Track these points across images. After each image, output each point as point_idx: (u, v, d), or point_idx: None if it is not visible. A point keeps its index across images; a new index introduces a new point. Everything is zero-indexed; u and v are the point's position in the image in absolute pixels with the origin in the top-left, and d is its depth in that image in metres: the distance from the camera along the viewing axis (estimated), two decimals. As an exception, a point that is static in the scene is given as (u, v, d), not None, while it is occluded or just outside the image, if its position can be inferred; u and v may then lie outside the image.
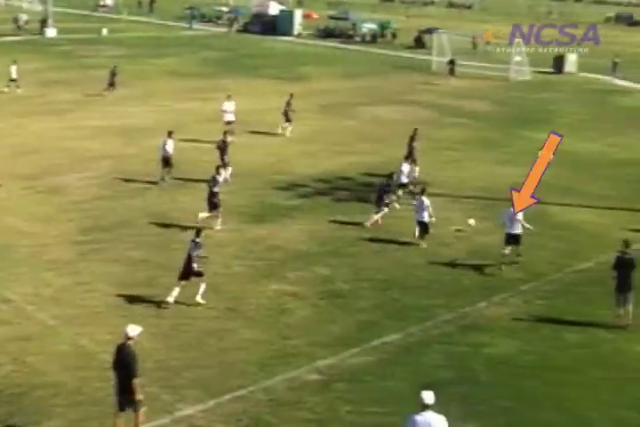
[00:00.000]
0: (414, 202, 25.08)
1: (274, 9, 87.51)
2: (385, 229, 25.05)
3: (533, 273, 22.18)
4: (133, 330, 13.78)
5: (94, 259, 22.00)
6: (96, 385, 15.55)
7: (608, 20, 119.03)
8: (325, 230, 24.94)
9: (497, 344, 18.05)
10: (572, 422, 15.21)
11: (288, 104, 37.32)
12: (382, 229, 25.12)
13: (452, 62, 56.69)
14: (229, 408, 15.15)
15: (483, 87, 54.58)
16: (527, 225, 22.53)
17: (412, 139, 30.65)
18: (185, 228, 23.85)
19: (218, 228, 24.49)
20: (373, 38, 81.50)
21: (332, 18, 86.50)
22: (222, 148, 29.44)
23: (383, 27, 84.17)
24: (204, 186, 25.26)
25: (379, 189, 25.96)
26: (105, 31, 75.73)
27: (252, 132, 36.97)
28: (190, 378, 16.00)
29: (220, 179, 25.57)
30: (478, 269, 22.30)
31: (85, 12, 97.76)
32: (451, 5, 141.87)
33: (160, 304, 19.10)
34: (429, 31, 75.22)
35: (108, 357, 14.40)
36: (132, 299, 19.45)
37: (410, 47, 76.28)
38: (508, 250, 22.54)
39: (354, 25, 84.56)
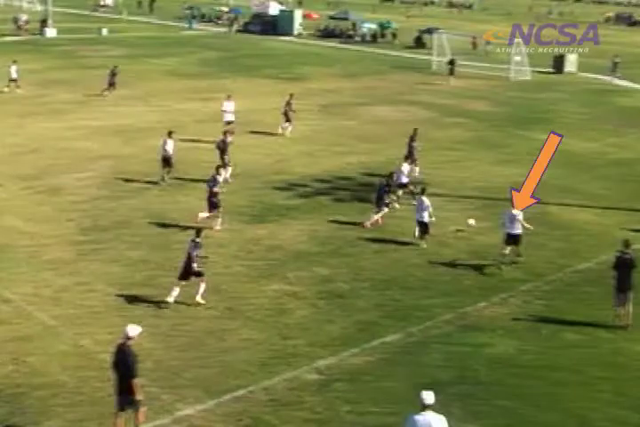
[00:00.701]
0: (414, 202, 25.07)
1: (274, 9, 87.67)
2: (385, 230, 25.05)
3: (533, 273, 22.17)
4: (133, 330, 13.77)
5: (94, 259, 22.00)
6: (96, 385, 15.55)
7: (608, 19, 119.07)
8: (325, 230, 24.94)
9: (497, 344, 18.04)
10: (571, 422, 15.20)
11: (288, 104, 37.29)
12: (382, 229, 25.11)
13: (451, 62, 56.69)
14: (229, 408, 15.14)
15: (482, 87, 54.58)
16: (527, 225, 22.53)
17: (412, 139, 30.69)
18: (184, 228, 23.87)
19: (218, 228, 24.50)
20: (373, 38, 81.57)
21: (331, 18, 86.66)
22: (222, 148, 29.41)
23: (383, 27, 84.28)
24: (204, 186, 25.25)
25: (378, 188, 25.93)
26: (105, 31, 75.76)
27: (251, 132, 36.95)
28: (190, 378, 15.99)
29: (220, 179, 25.58)
30: (478, 269, 22.29)
31: (85, 12, 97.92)
32: (451, 5, 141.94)
33: (160, 304, 19.10)
34: (429, 31, 75.30)
35: (108, 357, 14.40)
36: (132, 299, 19.45)
37: (410, 47, 76.34)
38: (507, 250, 22.56)
39: (354, 25, 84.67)
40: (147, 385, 14.67)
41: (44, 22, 74.66)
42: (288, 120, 37.18)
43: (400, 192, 27.73)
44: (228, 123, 35.24)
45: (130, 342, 13.70)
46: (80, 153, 32.82)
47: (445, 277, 21.73)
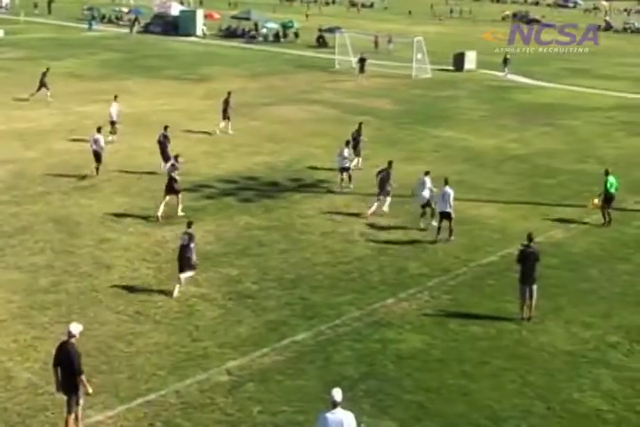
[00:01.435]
0: (432, 190, 25.34)
1: (175, 9, 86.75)
2: (292, 228, 25.14)
3: (439, 268, 22.54)
4: (75, 328, 13.93)
5: (-4, 266, 21.50)
6: (1, 395, 15.21)
7: (505, 18, 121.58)
8: (232, 231, 24.89)
9: (405, 340, 18.29)
10: (479, 413, 15.51)
11: (226, 102, 37.69)
12: (290, 227, 25.19)
13: (362, 60, 57.16)
14: (140, 413, 15.01)
15: (385, 86, 55.12)
16: (435, 190, 24.48)
17: (358, 133, 32.22)
18: (89, 232, 23.50)
19: (181, 214, 25.48)
20: (276, 38, 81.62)
21: (234, 18, 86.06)
22: (162, 141, 30.39)
23: (285, 26, 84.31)
24: (109, 188, 24.92)
25: (380, 178, 26.72)
26: (1, 33, 73.95)
27: (151, 132, 36.42)
28: (99, 384, 15.74)
29: (179, 166, 26.20)
30: (385, 266, 22.55)
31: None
32: (352, 4, 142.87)
33: (66, 309, 18.80)
34: (331, 30, 75.71)
35: (13, 365, 14.11)
36: (37, 306, 19.08)
37: (313, 46, 76.66)
38: (435, 222, 24.58)
39: (256, 25, 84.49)
40: (54, 393, 14.44)
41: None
42: (226, 118, 37.71)
43: (344, 175, 29.22)
44: (112, 123, 35.29)
45: (72, 340, 13.84)
46: (-21, 158, 32.02)
47: (353, 274, 21.92)
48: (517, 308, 19.51)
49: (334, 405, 12.15)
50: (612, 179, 26.58)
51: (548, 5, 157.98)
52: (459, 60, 64.30)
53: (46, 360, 13.76)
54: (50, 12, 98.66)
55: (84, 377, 13.81)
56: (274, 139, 37.36)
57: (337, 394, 12.19)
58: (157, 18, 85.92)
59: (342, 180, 29.40)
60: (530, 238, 19.65)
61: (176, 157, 26.63)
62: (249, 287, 20.78)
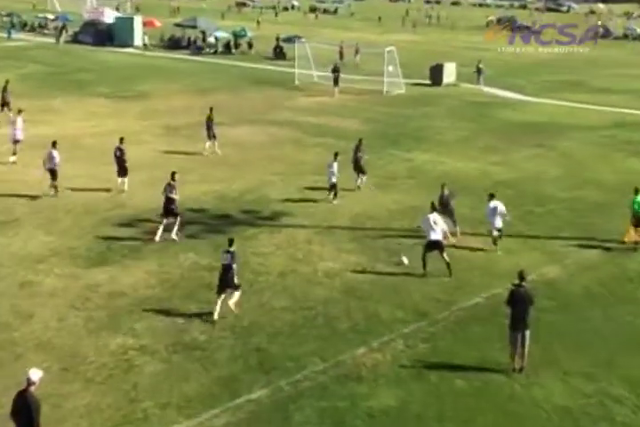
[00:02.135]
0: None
1: (109, 16, 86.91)
2: (244, 268, 25.04)
3: (416, 312, 22.51)
4: (35, 374, 14.08)
5: None
6: None
7: (489, 24, 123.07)
8: (176, 272, 24.75)
9: (378, 395, 18.21)
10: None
11: (209, 119, 38.95)
12: (243, 266, 25.09)
13: (335, 70, 57.63)
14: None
15: (352, 103, 55.48)
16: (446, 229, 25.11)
17: (358, 149, 34.00)
18: (6, 273, 23.27)
19: (174, 238, 27.23)
20: (227, 49, 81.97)
21: (178, 26, 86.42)
22: (118, 156, 32.14)
23: (237, 35, 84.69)
24: (33, 223, 24.69)
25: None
26: None
27: (84, 158, 36.35)
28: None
29: (175, 184, 27.87)
30: (354, 310, 22.49)
31: None
32: (312, 10, 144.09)
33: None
34: (290, 40, 76.20)
35: None
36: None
37: (269, 58, 77.17)
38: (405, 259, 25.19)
39: (203, 33, 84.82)
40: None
41: None
42: (212, 136, 38.94)
43: (331, 194, 31.65)
44: (16, 142, 36.26)
45: (31, 388, 14.00)
46: None
47: (317, 320, 21.84)
48: (507, 357, 19.49)
49: None
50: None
51: (537, 9, 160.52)
52: (436, 73, 64.84)
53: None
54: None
55: None
56: (224, 164, 37.33)
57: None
58: (88, 26, 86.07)
59: (334, 196, 31.66)
60: (521, 277, 19.57)
61: (173, 175, 27.89)
62: (196, 338, 20.63)
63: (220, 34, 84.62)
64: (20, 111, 37.25)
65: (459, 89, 63.19)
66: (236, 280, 21.78)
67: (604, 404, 18.22)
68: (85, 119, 46.03)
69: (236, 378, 18.75)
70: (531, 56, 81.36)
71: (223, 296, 21.65)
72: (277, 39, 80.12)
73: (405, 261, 24.99)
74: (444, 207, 26.79)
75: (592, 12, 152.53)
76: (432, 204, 25.32)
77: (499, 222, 26.97)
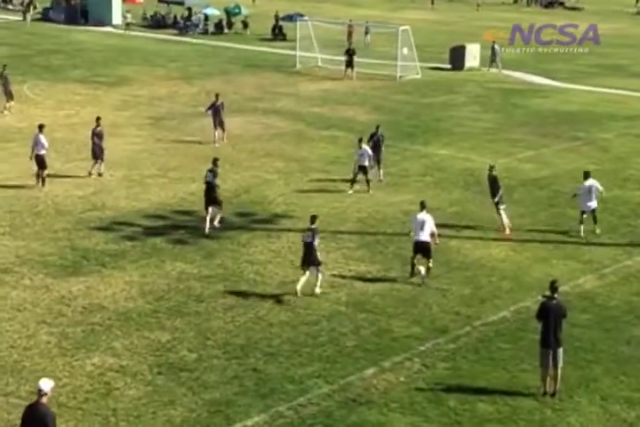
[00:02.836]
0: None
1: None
2: (240, 278, 25.14)
3: (434, 328, 22.57)
4: (46, 384, 14.19)
5: None
6: None
7: (518, 0, 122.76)
8: (162, 283, 24.82)
9: (391, 423, 18.24)
10: None
11: (216, 108, 39.97)
12: (238, 276, 25.17)
13: (350, 52, 57.80)
14: None
15: (362, 89, 55.43)
16: (435, 232, 25.41)
17: (379, 140, 34.81)
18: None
19: (217, 225, 29.09)
20: (219, 28, 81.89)
21: (162, 1, 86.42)
22: (95, 141, 33.43)
23: (230, 13, 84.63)
24: None
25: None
26: None
27: (57, 152, 36.40)
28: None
29: (218, 170, 29.74)
30: (362, 326, 22.57)
31: None
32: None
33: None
34: (291, 18, 76.16)
35: None
36: None
37: (267, 39, 77.11)
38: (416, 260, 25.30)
39: (190, 10, 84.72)
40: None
41: None
42: (220, 125, 40.14)
43: (359, 176, 32.96)
44: None
45: (44, 400, 14.13)
46: None
47: (321, 338, 21.90)
48: (538, 379, 19.56)
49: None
50: None
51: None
52: (457, 56, 64.59)
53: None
54: None
55: None
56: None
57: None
58: (60, 1, 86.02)
59: (355, 182, 33.13)
60: (553, 288, 19.58)
61: (215, 161, 29.65)
62: (184, 357, 20.70)
63: (211, 11, 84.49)
64: None
65: (482, 74, 63.11)
66: (319, 257, 24.10)
67: (648, 432, 18.32)
68: (57, 108, 46.15)
69: (230, 402, 18.80)
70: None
71: (308, 273, 24.05)
72: (276, 17, 79.92)
73: (422, 270, 25.03)
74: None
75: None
76: (422, 202, 25.78)
77: (594, 203, 28.73)
